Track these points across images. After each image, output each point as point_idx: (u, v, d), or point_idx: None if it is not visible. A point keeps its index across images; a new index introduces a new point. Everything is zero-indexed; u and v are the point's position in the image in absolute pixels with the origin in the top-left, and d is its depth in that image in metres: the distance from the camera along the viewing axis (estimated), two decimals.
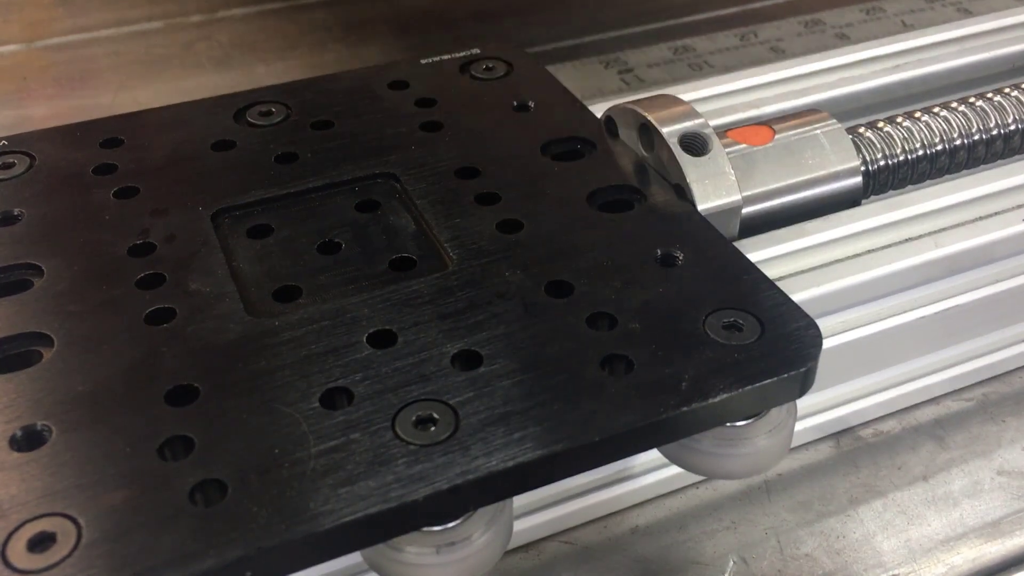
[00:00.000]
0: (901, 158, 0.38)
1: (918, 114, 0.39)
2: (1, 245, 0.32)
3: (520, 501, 0.30)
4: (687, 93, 0.42)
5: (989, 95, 0.40)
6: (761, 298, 0.29)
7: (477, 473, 0.24)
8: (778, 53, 0.59)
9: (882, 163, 0.38)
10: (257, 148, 0.37)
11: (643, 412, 0.25)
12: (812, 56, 0.46)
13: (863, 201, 0.37)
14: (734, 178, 0.34)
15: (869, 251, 0.35)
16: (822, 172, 0.36)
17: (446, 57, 0.42)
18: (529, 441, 0.24)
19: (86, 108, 0.57)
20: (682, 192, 0.34)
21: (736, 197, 0.34)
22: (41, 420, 0.25)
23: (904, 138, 0.38)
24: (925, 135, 0.38)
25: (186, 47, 0.63)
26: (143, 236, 0.32)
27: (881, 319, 0.35)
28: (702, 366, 0.26)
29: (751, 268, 0.30)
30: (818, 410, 0.36)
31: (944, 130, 0.39)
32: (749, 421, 0.28)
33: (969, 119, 0.39)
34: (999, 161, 0.40)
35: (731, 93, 0.44)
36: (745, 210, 0.35)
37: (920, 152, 0.38)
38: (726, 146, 0.35)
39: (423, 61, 0.42)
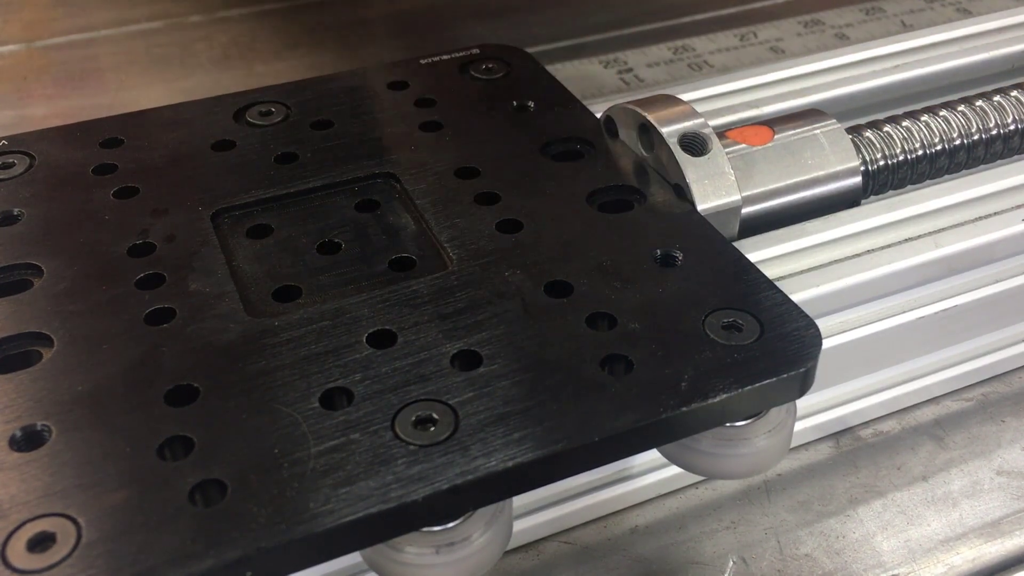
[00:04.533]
0: (901, 158, 0.38)
1: (918, 114, 0.39)
2: (1, 245, 0.32)
3: (520, 501, 0.30)
4: (687, 93, 0.42)
5: (989, 95, 0.40)
6: (761, 298, 0.29)
7: (477, 473, 0.24)
8: (778, 53, 0.59)
9: (882, 163, 0.38)
10: (257, 148, 0.37)
11: (643, 412, 0.25)
12: (812, 56, 0.46)
13: (863, 201, 0.37)
14: (734, 178, 0.34)
15: (869, 251, 0.35)
16: (822, 172, 0.36)
17: (445, 57, 0.42)
18: (529, 441, 0.24)
19: (86, 108, 0.57)
20: (682, 192, 0.34)
21: (736, 197, 0.34)
22: (41, 420, 0.25)
23: (904, 138, 0.38)
24: (925, 135, 0.38)
25: (185, 47, 0.63)
26: (143, 236, 0.32)
27: (881, 319, 0.35)
28: (702, 366, 0.26)
29: (751, 268, 0.30)
30: (818, 410, 0.36)
31: (944, 130, 0.39)
32: (749, 421, 0.28)
33: (969, 119, 0.39)
34: (999, 161, 0.40)
35: (731, 93, 0.44)
36: (745, 210, 0.35)
37: (920, 152, 0.38)
38: (726, 146, 0.35)
39: (423, 61, 0.42)
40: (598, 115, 0.38)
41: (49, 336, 0.28)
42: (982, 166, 0.40)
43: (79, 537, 0.22)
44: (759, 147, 0.36)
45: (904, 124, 0.39)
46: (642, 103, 0.36)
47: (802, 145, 0.36)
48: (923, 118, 0.39)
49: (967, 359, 0.38)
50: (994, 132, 0.39)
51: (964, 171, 0.40)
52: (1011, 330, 0.39)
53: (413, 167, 0.35)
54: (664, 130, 0.34)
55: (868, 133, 0.38)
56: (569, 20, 0.64)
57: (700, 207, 0.33)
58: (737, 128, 0.37)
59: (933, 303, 0.36)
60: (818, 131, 0.37)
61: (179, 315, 0.29)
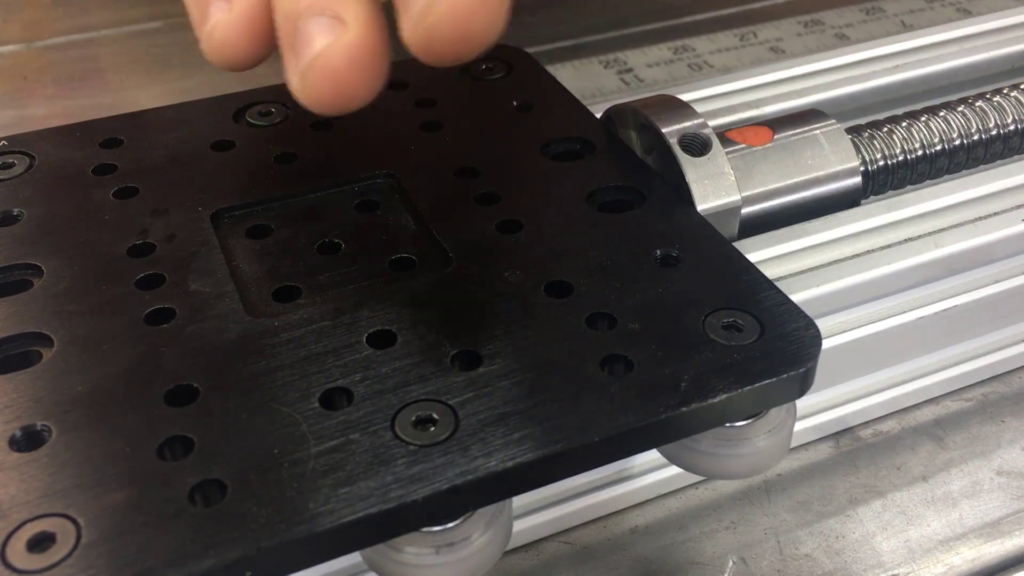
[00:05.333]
0: (900, 158, 0.38)
1: (918, 114, 0.39)
2: (1, 245, 0.32)
3: (520, 501, 0.30)
4: (687, 93, 0.42)
5: (989, 95, 0.40)
6: (761, 298, 0.29)
7: (477, 473, 0.24)
8: (778, 53, 0.59)
9: (881, 163, 0.38)
10: (257, 148, 0.37)
11: (643, 412, 0.25)
12: (812, 56, 0.46)
13: (863, 201, 0.37)
14: (733, 178, 0.34)
15: (869, 251, 0.35)
16: (821, 172, 0.36)
17: None
18: (529, 441, 0.24)
19: (86, 108, 0.57)
20: (682, 192, 0.34)
21: (735, 197, 0.34)
22: (41, 420, 0.25)
23: (904, 138, 0.38)
24: (925, 135, 0.38)
25: (185, 47, 0.63)
26: (143, 236, 0.32)
27: (881, 319, 0.35)
28: (702, 366, 0.26)
29: (751, 268, 0.30)
30: (817, 410, 0.36)
31: (944, 130, 0.39)
32: (748, 421, 0.28)
33: (969, 119, 0.39)
34: (999, 161, 0.40)
35: (731, 93, 0.44)
36: (744, 210, 0.35)
37: (919, 152, 0.38)
38: (725, 146, 0.35)
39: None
40: (598, 115, 0.38)
41: (49, 336, 0.28)
42: (982, 166, 0.40)
43: (79, 537, 0.22)
44: (759, 147, 0.36)
45: (904, 124, 0.39)
46: (642, 103, 0.36)
47: (802, 145, 0.36)
48: (923, 118, 0.39)
49: (967, 359, 0.38)
50: (994, 132, 0.39)
51: (964, 171, 0.40)
52: (1011, 330, 0.39)
53: (413, 167, 0.35)
54: (664, 130, 0.34)
55: (868, 133, 0.38)
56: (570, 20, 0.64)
57: (700, 207, 0.33)
58: (737, 128, 0.37)
59: (933, 303, 0.36)
60: (818, 131, 0.37)
61: (179, 315, 0.29)
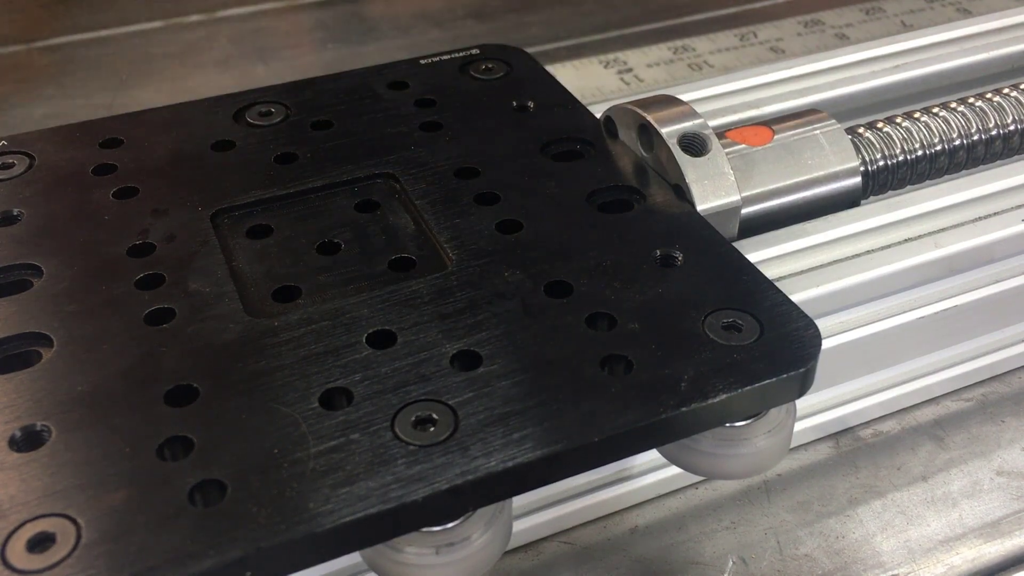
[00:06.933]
0: (900, 158, 0.38)
1: (917, 114, 0.39)
2: (1, 245, 0.32)
3: (520, 501, 0.30)
4: (687, 93, 0.42)
5: (988, 95, 0.40)
6: (760, 298, 0.29)
7: (476, 474, 0.24)
8: (778, 53, 0.59)
9: (881, 163, 0.38)
10: (257, 148, 0.37)
11: (643, 412, 0.25)
12: (812, 56, 0.46)
13: (863, 201, 0.37)
14: (733, 178, 0.34)
15: (869, 251, 0.35)
16: (821, 172, 0.36)
17: (446, 57, 0.42)
18: (528, 441, 0.24)
19: (86, 108, 0.57)
20: (681, 192, 0.34)
21: (735, 197, 0.34)
22: (41, 420, 0.25)
23: (903, 138, 0.38)
24: (924, 135, 0.38)
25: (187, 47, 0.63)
26: (143, 236, 0.32)
27: (881, 319, 0.35)
28: (701, 366, 0.26)
29: (750, 268, 0.30)
30: (817, 410, 0.36)
31: (943, 130, 0.39)
32: (748, 421, 0.28)
33: (968, 119, 0.39)
34: (998, 161, 0.40)
35: (731, 93, 0.44)
36: (744, 210, 0.35)
37: (919, 152, 0.38)
38: (725, 146, 0.35)
39: (423, 61, 0.42)
40: (598, 115, 0.38)
41: (49, 336, 0.28)
42: (982, 166, 0.40)
43: (79, 537, 0.22)
44: (759, 147, 0.36)
45: (904, 124, 0.39)
46: (642, 103, 0.36)
47: (802, 145, 0.36)
48: (923, 118, 0.39)
49: (967, 359, 0.38)
50: (994, 132, 0.39)
51: (964, 171, 0.40)
52: (1011, 330, 0.39)
53: (413, 167, 0.35)
54: (664, 130, 0.34)
55: (868, 133, 0.38)
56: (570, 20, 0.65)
57: (700, 207, 0.33)
58: (737, 128, 0.37)
59: (933, 303, 0.36)
60: (818, 131, 0.37)
61: (179, 315, 0.29)
